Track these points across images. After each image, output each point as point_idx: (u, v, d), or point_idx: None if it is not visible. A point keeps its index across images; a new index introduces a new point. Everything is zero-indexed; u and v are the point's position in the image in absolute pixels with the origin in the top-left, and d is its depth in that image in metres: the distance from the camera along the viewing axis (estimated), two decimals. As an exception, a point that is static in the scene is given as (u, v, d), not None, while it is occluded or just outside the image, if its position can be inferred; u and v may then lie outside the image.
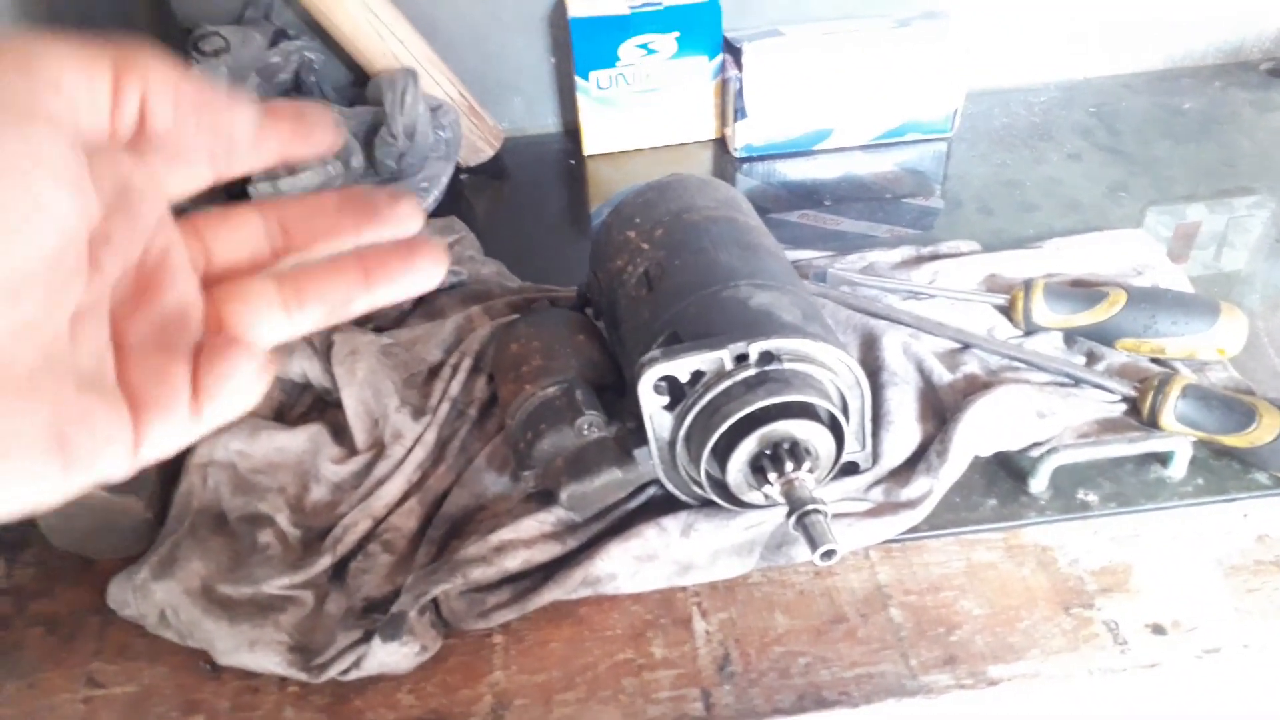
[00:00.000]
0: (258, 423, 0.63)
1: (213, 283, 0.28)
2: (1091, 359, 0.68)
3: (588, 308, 0.69)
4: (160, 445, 0.26)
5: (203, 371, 0.27)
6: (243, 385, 0.27)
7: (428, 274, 0.30)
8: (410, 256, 0.30)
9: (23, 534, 0.62)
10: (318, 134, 0.28)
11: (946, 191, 0.92)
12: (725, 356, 0.51)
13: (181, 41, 0.83)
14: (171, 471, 0.61)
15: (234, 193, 0.81)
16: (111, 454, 0.24)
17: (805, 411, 0.51)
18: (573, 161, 1.00)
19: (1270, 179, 0.90)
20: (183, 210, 0.28)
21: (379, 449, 0.62)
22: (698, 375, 0.52)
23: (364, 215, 0.30)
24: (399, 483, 0.60)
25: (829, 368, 0.53)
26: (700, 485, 0.55)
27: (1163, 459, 0.61)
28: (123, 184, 0.25)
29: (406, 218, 0.30)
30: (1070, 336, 0.70)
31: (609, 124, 0.98)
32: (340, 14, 0.88)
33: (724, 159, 0.99)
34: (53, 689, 0.54)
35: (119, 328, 0.26)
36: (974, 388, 0.64)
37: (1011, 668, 0.52)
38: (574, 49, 0.93)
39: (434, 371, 0.67)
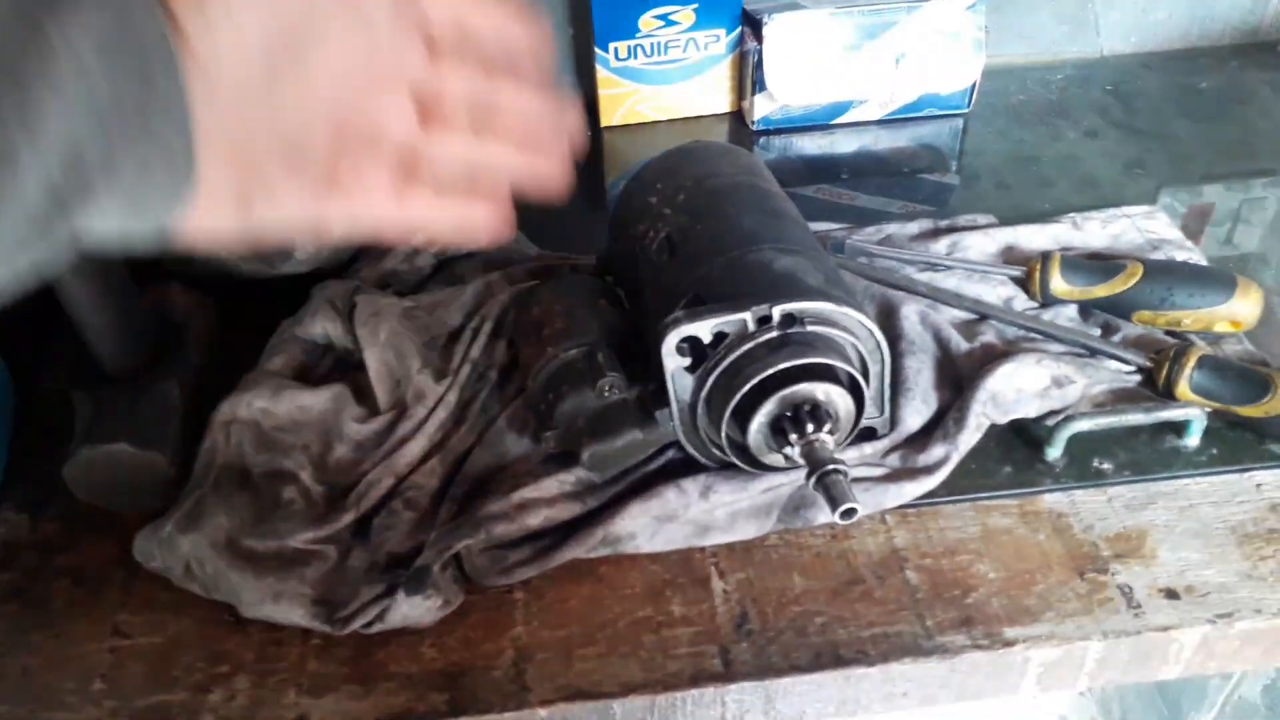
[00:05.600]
0: (280, 382, 0.63)
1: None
2: (1107, 331, 0.69)
3: (608, 275, 0.69)
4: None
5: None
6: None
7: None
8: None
9: (47, 489, 0.62)
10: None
11: (963, 167, 0.92)
12: (748, 318, 0.52)
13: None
14: (195, 429, 0.62)
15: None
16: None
17: (827, 374, 0.52)
18: (589, 133, 1.00)
19: (1287, 158, 0.90)
20: None
21: (401, 409, 0.62)
22: (720, 337, 0.52)
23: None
24: (421, 442, 0.60)
25: (851, 331, 0.54)
26: (720, 448, 0.55)
27: (1178, 429, 0.62)
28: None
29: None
30: (1086, 309, 0.70)
31: (626, 96, 0.98)
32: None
33: (741, 132, 0.99)
34: (79, 639, 0.55)
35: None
36: (991, 357, 0.65)
37: (1027, 629, 0.53)
38: (593, 19, 0.93)
39: (454, 335, 0.68)
